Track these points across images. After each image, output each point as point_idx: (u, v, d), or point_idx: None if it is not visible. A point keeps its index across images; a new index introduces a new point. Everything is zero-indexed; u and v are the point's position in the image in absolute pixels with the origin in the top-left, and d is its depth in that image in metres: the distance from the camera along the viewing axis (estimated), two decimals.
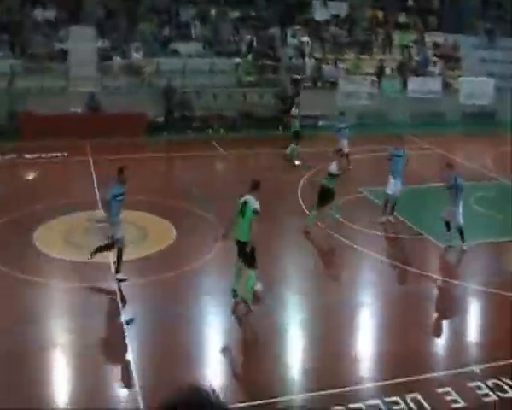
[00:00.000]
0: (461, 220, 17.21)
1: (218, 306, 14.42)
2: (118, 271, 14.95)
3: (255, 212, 13.34)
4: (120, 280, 14.83)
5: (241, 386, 11.37)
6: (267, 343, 13.03)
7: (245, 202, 13.47)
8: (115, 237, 14.84)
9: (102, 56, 31.01)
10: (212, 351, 12.89)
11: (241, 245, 13.54)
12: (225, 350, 12.88)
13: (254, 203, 13.42)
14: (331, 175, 18.01)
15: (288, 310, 14.49)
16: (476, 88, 34.70)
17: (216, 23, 34.80)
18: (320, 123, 31.15)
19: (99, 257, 15.36)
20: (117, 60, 31.03)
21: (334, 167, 18.05)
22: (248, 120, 30.46)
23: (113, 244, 14.97)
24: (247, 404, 10.52)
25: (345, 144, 23.79)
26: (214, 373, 11.86)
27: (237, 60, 32.43)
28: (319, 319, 14.10)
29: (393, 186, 18.97)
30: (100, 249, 15.18)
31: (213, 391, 2.53)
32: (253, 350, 12.81)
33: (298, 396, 11.29)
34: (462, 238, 17.37)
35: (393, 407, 10.82)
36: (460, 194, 17.17)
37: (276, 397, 11.06)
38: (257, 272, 13.76)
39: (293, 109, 26.38)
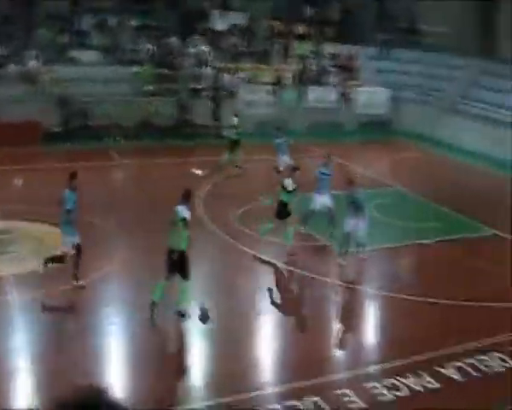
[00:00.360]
0: (365, 235, 17.50)
1: (119, 316, 14.33)
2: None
3: (183, 220, 13.61)
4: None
5: (142, 395, 11.30)
6: (168, 353, 13.04)
7: (175, 213, 13.70)
8: (76, 242, 14.78)
9: None
10: (112, 361, 12.80)
11: (176, 255, 13.69)
12: (126, 360, 12.82)
13: (183, 212, 13.66)
14: (288, 191, 18.01)
15: (190, 319, 14.48)
16: (372, 98, 35.66)
17: (115, 31, 34.50)
18: (223, 132, 31.30)
19: None
20: (12, 67, 30.27)
21: (289, 183, 18.09)
22: (147, 129, 30.25)
23: (79, 250, 14.80)
24: None
25: (284, 159, 23.93)
26: (115, 383, 11.77)
27: (137, 68, 32.18)
28: (221, 327, 14.13)
29: (323, 200, 19.00)
30: (77, 263, 14.87)
31: (110, 393, 2.52)
32: (154, 359, 12.75)
33: (198, 404, 11.31)
34: (363, 248, 17.73)
35: None
36: (362, 208, 17.30)
37: (177, 406, 11.07)
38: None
39: (234, 118, 26.23)
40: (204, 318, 13.82)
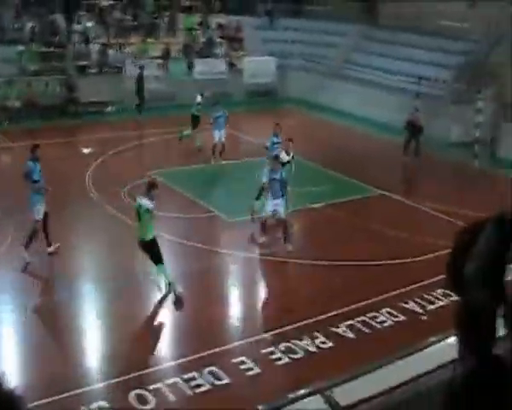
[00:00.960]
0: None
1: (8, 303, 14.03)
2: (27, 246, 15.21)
3: (148, 211, 13.50)
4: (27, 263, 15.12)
5: (35, 383, 11.12)
6: (62, 336, 12.83)
7: (139, 206, 13.61)
8: (38, 217, 15.17)
9: None
10: (4, 348, 12.54)
11: (146, 245, 13.73)
12: (19, 347, 12.58)
13: (147, 204, 13.54)
14: (284, 163, 17.90)
15: (81, 300, 14.35)
16: (259, 67, 35.88)
17: None
18: (108, 109, 30.88)
19: None
20: None
21: (284, 155, 18.14)
22: (33, 110, 29.41)
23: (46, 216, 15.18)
24: (42, 401, 10.31)
25: (218, 134, 23.65)
26: (8, 371, 11.54)
27: (20, 47, 31.20)
28: (107, 303, 14.13)
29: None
30: (47, 229, 15.50)
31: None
32: (47, 345, 12.55)
33: (96, 386, 11.24)
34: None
35: (191, 383, 11.09)
36: (285, 186, 17.12)
37: (74, 390, 10.94)
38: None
39: (198, 96, 26.09)
40: (178, 303, 13.75)
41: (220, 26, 38.04)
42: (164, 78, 32.95)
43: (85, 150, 23.99)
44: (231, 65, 35.93)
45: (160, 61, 33.62)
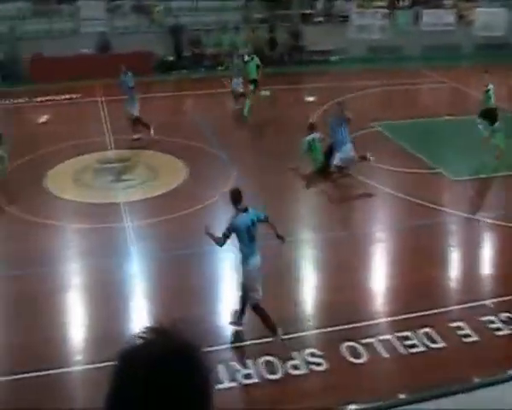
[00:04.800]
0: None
1: None
2: None
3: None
4: None
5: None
6: (288, 277, 12.91)
7: (313, 139, 17.04)
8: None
9: None
10: (215, 289, 12.92)
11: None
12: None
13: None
14: None
15: (302, 246, 14.47)
16: (490, 19, 33.99)
17: None
18: (333, 58, 30.77)
19: (108, 198, 15.56)
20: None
21: None
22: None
23: None
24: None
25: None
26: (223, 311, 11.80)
27: None
28: (330, 252, 14.18)
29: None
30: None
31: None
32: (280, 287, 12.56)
33: (307, 333, 11.29)
34: None
35: (405, 342, 10.83)
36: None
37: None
38: None
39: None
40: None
41: None
42: (388, 28, 32.14)
43: (309, 98, 23.95)
44: (460, 16, 34.35)
45: (385, 10, 32.79)
